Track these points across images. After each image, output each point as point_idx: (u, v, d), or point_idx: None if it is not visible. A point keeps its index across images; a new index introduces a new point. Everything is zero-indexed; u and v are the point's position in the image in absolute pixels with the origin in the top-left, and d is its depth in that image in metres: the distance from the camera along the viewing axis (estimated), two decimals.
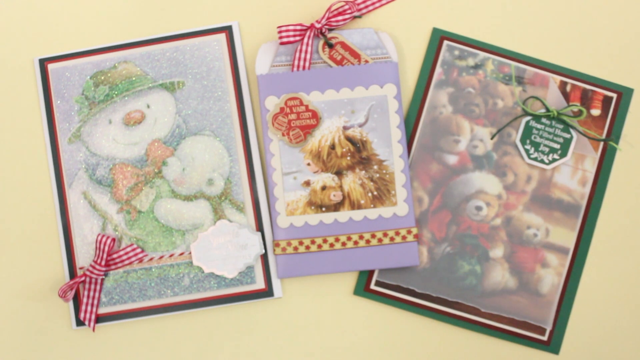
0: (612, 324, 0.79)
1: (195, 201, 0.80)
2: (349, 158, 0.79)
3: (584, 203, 0.80)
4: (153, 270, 0.80)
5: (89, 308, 0.79)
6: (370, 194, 0.78)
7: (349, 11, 0.80)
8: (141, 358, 0.80)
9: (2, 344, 0.81)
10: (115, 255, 0.79)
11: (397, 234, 0.78)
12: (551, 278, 0.79)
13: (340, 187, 0.79)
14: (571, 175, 0.80)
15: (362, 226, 0.78)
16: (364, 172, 0.79)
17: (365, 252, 0.78)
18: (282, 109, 0.79)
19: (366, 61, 0.80)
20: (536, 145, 0.80)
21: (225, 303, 0.79)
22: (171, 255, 0.80)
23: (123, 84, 0.82)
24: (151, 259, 0.80)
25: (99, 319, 0.80)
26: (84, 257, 0.80)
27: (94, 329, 0.79)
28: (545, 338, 0.79)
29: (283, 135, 0.79)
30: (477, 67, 0.81)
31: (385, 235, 0.78)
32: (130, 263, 0.80)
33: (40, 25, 0.84)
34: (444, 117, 0.81)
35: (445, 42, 0.82)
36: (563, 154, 0.80)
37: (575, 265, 0.79)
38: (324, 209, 0.78)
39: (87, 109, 0.82)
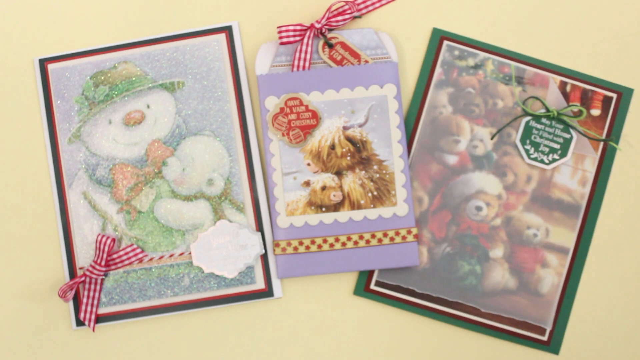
0: (612, 324, 0.79)
1: (195, 201, 0.80)
2: (349, 158, 0.79)
3: (584, 203, 0.80)
4: (153, 270, 0.80)
5: (89, 308, 0.79)
6: (370, 194, 0.78)
7: (349, 11, 0.80)
8: (141, 358, 0.80)
9: (2, 344, 0.81)
10: (115, 256, 0.79)
11: (397, 234, 0.78)
12: (551, 278, 0.79)
13: (340, 187, 0.79)
14: (571, 175, 0.80)
15: (362, 226, 0.78)
16: (364, 172, 0.79)
17: (365, 252, 0.78)
18: (282, 109, 0.79)
19: (366, 61, 0.80)
20: (536, 145, 0.80)
21: (225, 303, 0.79)
22: (171, 256, 0.80)
23: (123, 84, 0.82)
24: (151, 259, 0.80)
25: (99, 319, 0.80)
26: (84, 257, 0.80)
27: (94, 329, 0.79)
28: (545, 338, 0.79)
29: (283, 135, 0.79)
30: (477, 67, 0.81)
31: (385, 235, 0.78)
32: (130, 263, 0.80)
33: (40, 25, 0.84)
34: (444, 117, 0.81)
35: (445, 42, 0.82)
36: (563, 154, 0.80)
37: (575, 265, 0.79)
38: (324, 209, 0.78)
39: (87, 109, 0.82)
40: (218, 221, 0.79)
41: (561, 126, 0.80)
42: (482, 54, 0.81)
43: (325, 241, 0.78)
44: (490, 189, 0.80)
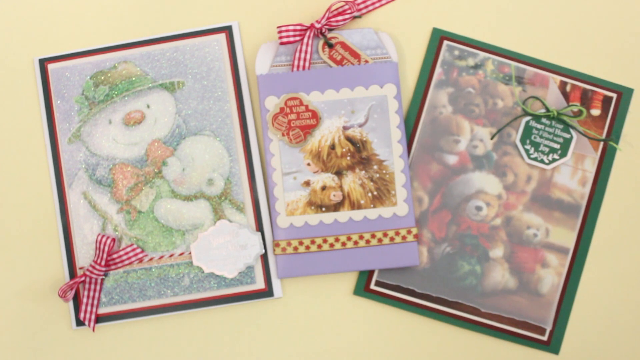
0: (612, 324, 0.79)
1: (195, 201, 0.80)
2: (348, 158, 0.79)
3: (584, 203, 0.80)
4: (153, 270, 0.80)
5: (89, 308, 0.79)
6: (370, 194, 0.78)
7: (349, 11, 0.80)
8: (141, 358, 0.80)
9: (2, 344, 0.81)
10: (115, 255, 0.79)
11: (397, 234, 0.78)
12: (551, 278, 0.79)
13: (340, 187, 0.79)
14: (571, 175, 0.80)
15: (362, 226, 0.78)
16: (364, 172, 0.79)
17: (365, 252, 0.78)
18: (282, 109, 0.79)
19: (366, 61, 0.80)
20: (536, 145, 0.80)
21: (225, 303, 0.79)
22: (171, 255, 0.80)
23: (123, 84, 0.82)
24: (151, 259, 0.80)
25: (99, 319, 0.80)
26: (84, 257, 0.80)
27: (94, 329, 0.79)
28: (545, 338, 0.79)
29: (283, 135, 0.79)
30: (477, 67, 0.81)
31: (385, 235, 0.78)
32: (130, 263, 0.80)
33: (40, 25, 0.84)
34: (444, 117, 0.81)
35: (445, 42, 0.82)
36: (563, 154, 0.80)
37: (575, 265, 0.79)
38: (324, 209, 0.78)
39: (87, 109, 0.82)
40: (218, 221, 0.79)
41: (561, 126, 0.80)
42: (482, 54, 0.81)
43: (325, 241, 0.78)
44: (490, 189, 0.80)
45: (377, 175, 0.79)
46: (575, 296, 0.79)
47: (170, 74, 0.82)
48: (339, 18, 0.80)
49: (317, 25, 0.79)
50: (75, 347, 0.80)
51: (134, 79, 0.82)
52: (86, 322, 0.79)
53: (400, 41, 0.82)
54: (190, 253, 0.80)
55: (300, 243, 0.78)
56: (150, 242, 0.80)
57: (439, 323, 0.79)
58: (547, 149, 0.80)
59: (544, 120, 0.80)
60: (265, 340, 0.80)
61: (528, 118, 0.80)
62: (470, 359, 0.79)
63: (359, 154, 0.79)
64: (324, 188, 0.79)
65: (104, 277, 0.80)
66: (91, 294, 0.79)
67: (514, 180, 0.80)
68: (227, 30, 0.82)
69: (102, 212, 0.81)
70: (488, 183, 0.80)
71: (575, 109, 0.81)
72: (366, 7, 0.82)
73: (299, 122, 0.78)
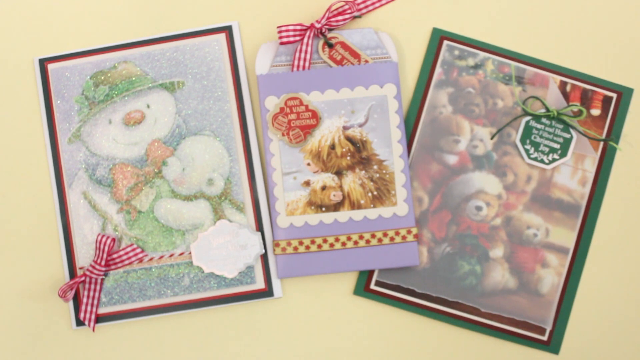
0: (612, 324, 0.79)
1: (195, 201, 0.80)
2: (348, 158, 0.79)
3: (584, 203, 0.80)
4: (153, 270, 0.80)
5: (89, 308, 0.79)
6: (370, 194, 0.78)
7: (349, 11, 0.80)
8: (141, 358, 0.80)
9: (2, 344, 0.81)
10: (115, 255, 0.79)
11: (397, 234, 0.78)
12: (551, 278, 0.79)
13: (340, 187, 0.79)
14: (571, 175, 0.80)
15: (362, 226, 0.78)
16: (364, 172, 0.79)
17: (365, 252, 0.78)
18: (282, 109, 0.79)
19: (366, 61, 0.80)
20: (536, 145, 0.80)
21: (225, 303, 0.79)
22: (171, 255, 0.80)
23: (123, 84, 0.82)
24: (151, 259, 0.80)
25: (99, 319, 0.80)
26: (84, 257, 0.80)
27: (94, 329, 0.79)
28: (545, 338, 0.79)
29: (283, 135, 0.79)
30: (477, 67, 0.81)
31: (385, 235, 0.78)
32: (130, 263, 0.80)
33: (40, 25, 0.84)
34: (444, 117, 0.81)
35: (445, 42, 0.82)
36: (563, 154, 0.80)
37: (575, 265, 0.79)
38: (324, 209, 0.78)
39: (87, 109, 0.82)
40: (218, 221, 0.79)
41: (561, 126, 0.80)
42: (482, 54, 0.81)
43: (325, 241, 0.78)
44: (490, 188, 0.80)
45: (377, 175, 0.79)
46: (575, 296, 0.79)
47: (170, 74, 0.82)
48: (339, 18, 0.80)
49: (317, 25, 0.79)
50: (75, 347, 0.80)
51: (134, 79, 0.82)
52: (86, 322, 0.79)
53: (400, 41, 0.82)
54: (190, 253, 0.80)
55: (300, 243, 0.78)
56: (150, 242, 0.80)
57: (439, 323, 0.79)
58: (547, 149, 0.80)
59: (544, 120, 0.80)
60: (265, 340, 0.80)
61: (528, 118, 0.80)
62: (470, 359, 0.79)
63: (359, 154, 0.79)
64: (324, 188, 0.79)
65: (104, 277, 0.80)
66: (91, 294, 0.79)
67: (514, 180, 0.80)
68: (227, 30, 0.82)
69: (102, 212, 0.81)
70: (488, 183, 0.80)
71: (575, 109, 0.81)
72: (366, 7, 0.82)
73: (299, 122, 0.78)
